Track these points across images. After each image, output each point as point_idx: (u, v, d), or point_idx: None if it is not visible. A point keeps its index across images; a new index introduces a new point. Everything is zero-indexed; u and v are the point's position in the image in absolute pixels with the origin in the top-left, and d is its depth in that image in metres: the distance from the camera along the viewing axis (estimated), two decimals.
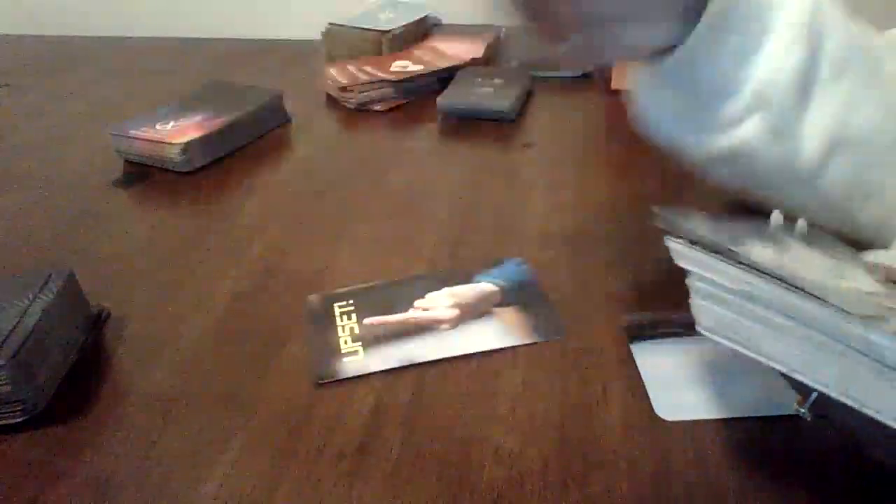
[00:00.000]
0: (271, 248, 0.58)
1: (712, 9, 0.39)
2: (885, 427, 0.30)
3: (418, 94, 0.86)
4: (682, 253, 0.33)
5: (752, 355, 0.30)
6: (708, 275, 0.32)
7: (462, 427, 0.40)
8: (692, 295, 0.32)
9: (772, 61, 0.40)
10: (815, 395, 0.33)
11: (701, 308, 0.32)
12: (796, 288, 0.30)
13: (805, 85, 0.40)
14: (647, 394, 0.41)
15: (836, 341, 0.29)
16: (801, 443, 0.38)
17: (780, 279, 0.30)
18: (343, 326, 0.48)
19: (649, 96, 0.46)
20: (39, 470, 0.38)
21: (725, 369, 0.43)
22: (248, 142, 0.76)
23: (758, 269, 0.31)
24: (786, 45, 0.39)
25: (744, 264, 0.31)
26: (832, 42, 0.40)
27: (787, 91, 0.40)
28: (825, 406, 0.33)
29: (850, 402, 0.29)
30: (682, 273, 0.34)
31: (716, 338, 0.32)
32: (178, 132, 0.72)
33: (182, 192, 0.67)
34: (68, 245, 0.60)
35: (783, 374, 0.35)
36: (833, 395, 0.29)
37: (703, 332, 0.32)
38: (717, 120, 0.41)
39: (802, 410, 0.34)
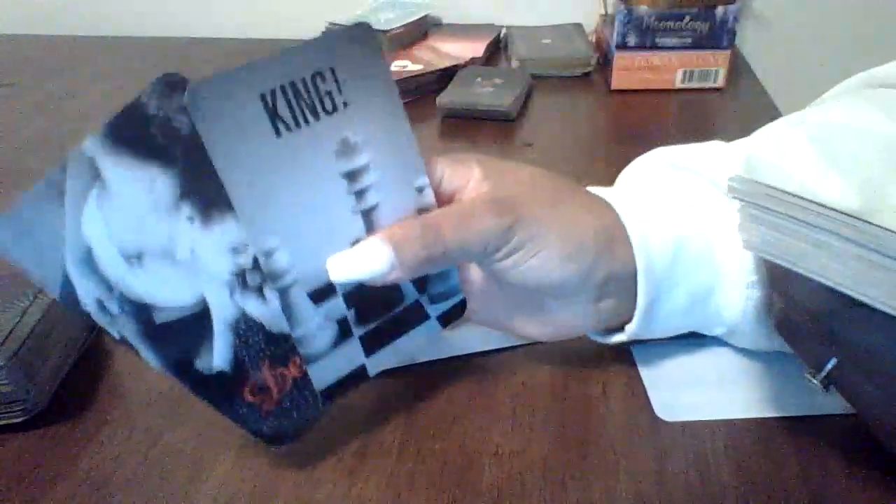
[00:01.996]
0: None
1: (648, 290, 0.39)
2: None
3: (418, 94, 0.86)
4: (740, 185, 0.32)
5: (799, 270, 0.30)
6: (763, 202, 0.31)
7: (462, 427, 0.40)
8: (740, 218, 0.32)
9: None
10: (830, 365, 0.33)
11: (749, 228, 0.32)
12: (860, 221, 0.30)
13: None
14: (647, 394, 0.41)
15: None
16: (801, 442, 0.38)
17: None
18: None
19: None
20: (39, 470, 0.38)
21: (725, 369, 0.43)
22: None
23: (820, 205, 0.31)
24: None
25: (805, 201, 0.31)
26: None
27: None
28: (835, 380, 0.33)
29: None
30: None
31: (761, 254, 0.32)
32: None
33: None
34: None
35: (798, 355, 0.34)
36: (881, 307, 0.29)
37: (748, 248, 0.32)
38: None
39: (814, 382, 0.34)
